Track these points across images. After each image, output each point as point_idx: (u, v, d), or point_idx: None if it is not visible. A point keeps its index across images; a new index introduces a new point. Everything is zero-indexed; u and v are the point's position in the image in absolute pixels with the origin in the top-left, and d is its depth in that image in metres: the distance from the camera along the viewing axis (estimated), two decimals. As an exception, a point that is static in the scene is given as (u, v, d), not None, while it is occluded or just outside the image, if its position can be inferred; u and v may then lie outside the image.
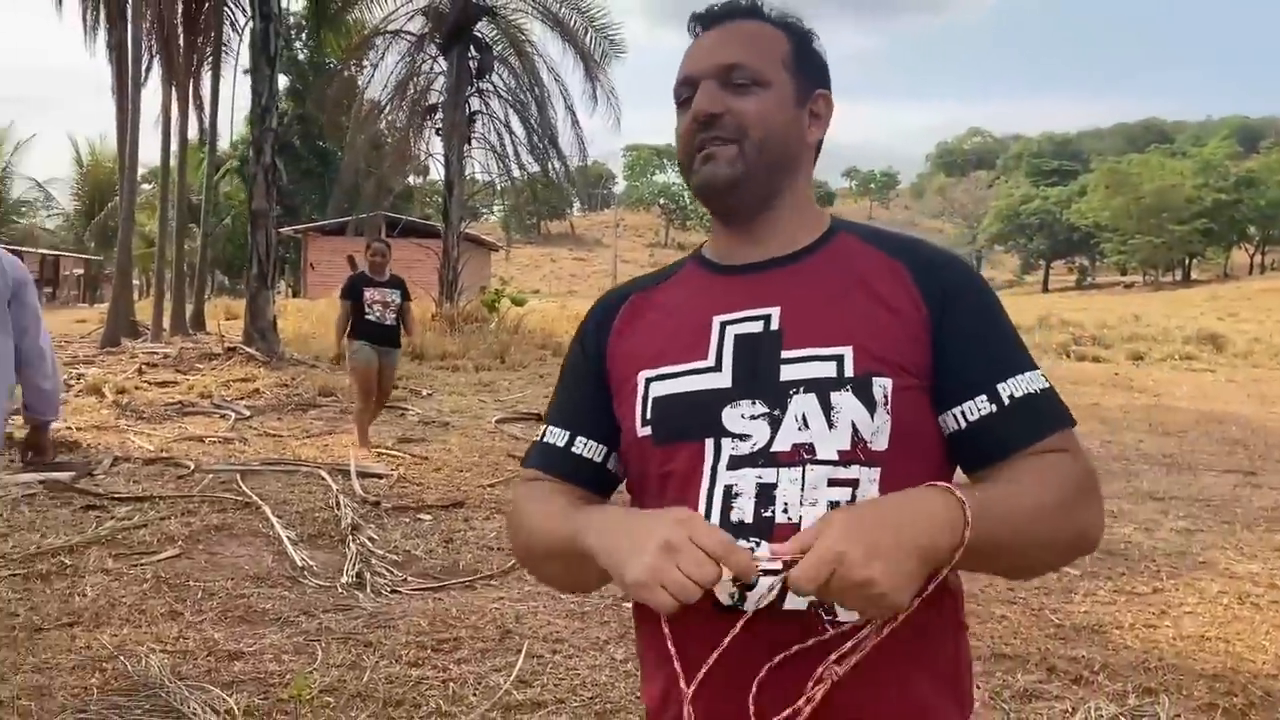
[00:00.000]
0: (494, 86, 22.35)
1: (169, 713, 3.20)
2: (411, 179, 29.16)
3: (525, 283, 60.18)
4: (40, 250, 33.09)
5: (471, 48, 21.12)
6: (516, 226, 32.51)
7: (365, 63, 22.67)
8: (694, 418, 1.13)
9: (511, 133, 22.71)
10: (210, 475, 6.70)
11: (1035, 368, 1.13)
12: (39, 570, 4.65)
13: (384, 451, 7.92)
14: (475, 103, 22.02)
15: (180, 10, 20.99)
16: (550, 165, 22.76)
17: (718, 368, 1.14)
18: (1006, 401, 1.09)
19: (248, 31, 19.75)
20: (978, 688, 3.46)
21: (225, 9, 22.10)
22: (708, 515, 1.08)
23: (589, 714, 3.42)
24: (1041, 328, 23.82)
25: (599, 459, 1.23)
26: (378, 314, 7.66)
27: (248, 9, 18.95)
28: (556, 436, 1.25)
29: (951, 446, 1.13)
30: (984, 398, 1.10)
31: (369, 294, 7.67)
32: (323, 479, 6.67)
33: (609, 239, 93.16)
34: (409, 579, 4.83)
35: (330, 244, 36.19)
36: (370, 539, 5.35)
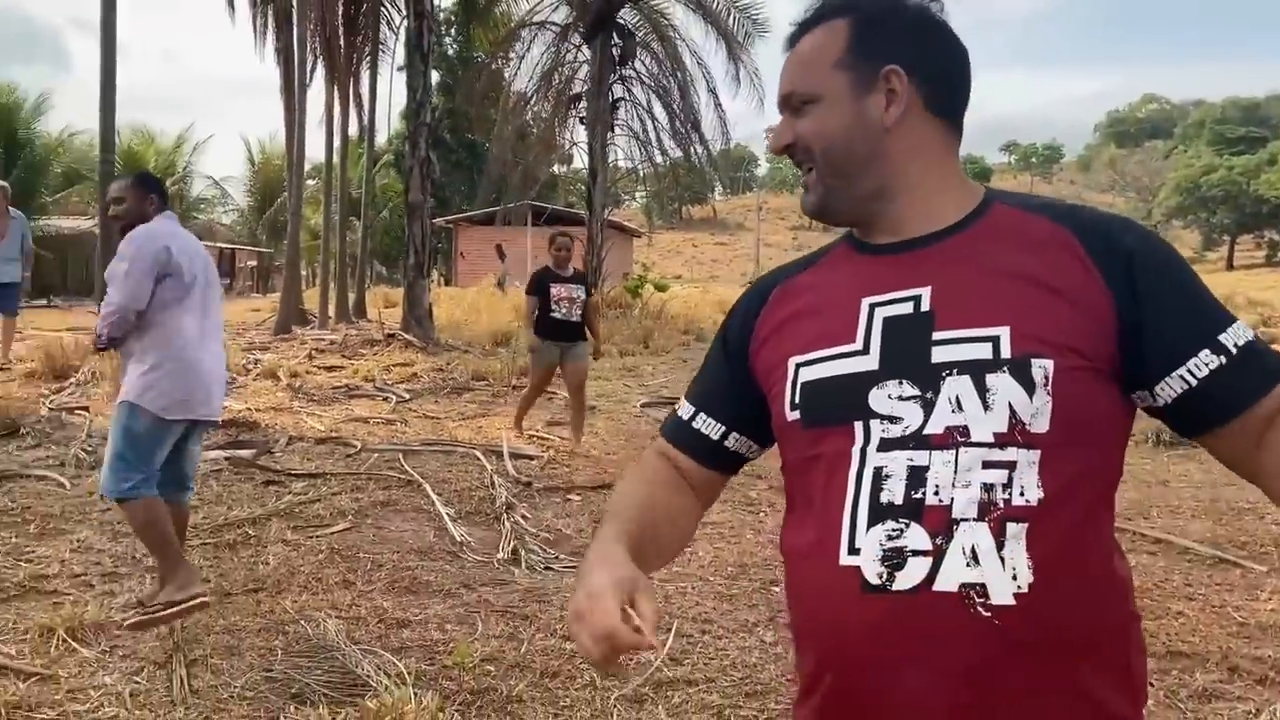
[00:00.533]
0: (637, 73, 22.55)
1: (346, 674, 3.42)
2: (556, 168, 29.75)
3: (667, 268, 60.50)
4: (219, 244, 35.48)
5: (614, 35, 21.35)
6: (659, 212, 32.73)
7: (511, 55, 23.26)
8: (841, 401, 1.13)
9: (654, 118, 22.89)
10: (375, 454, 7.07)
11: (1236, 318, 1.10)
12: (226, 540, 5.03)
13: (534, 434, 8.15)
14: (618, 90, 22.27)
15: (340, 12, 22.03)
16: (693, 149, 22.81)
17: (865, 350, 1.13)
18: (1234, 351, 1.06)
19: (403, 30, 20.59)
20: (1152, 685, 3.32)
21: (382, 9, 23.07)
22: (856, 497, 1.09)
23: (739, 694, 3.46)
24: (1228, 308, 22.23)
25: (715, 436, 1.30)
26: (564, 311, 7.36)
27: (403, 8, 19.75)
28: (685, 411, 1.34)
29: (1174, 413, 1.09)
30: (1207, 351, 1.06)
31: (555, 290, 7.35)
32: (478, 459, 6.94)
33: (751, 222, 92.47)
34: (561, 557, 4.98)
35: (479, 233, 37.41)
36: (523, 517, 5.53)
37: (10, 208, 10.68)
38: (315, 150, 25.28)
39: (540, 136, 23.88)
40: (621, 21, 21.52)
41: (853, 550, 1.07)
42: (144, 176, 4.30)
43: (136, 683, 3.33)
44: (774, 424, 1.24)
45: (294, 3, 21.05)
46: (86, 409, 8.25)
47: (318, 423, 8.21)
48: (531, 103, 23.05)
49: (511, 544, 5.04)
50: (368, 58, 23.38)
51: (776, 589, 4.60)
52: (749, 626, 4.11)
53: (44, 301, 26.39)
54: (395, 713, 2.51)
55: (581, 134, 22.27)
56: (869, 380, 1.12)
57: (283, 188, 29.33)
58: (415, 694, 2.75)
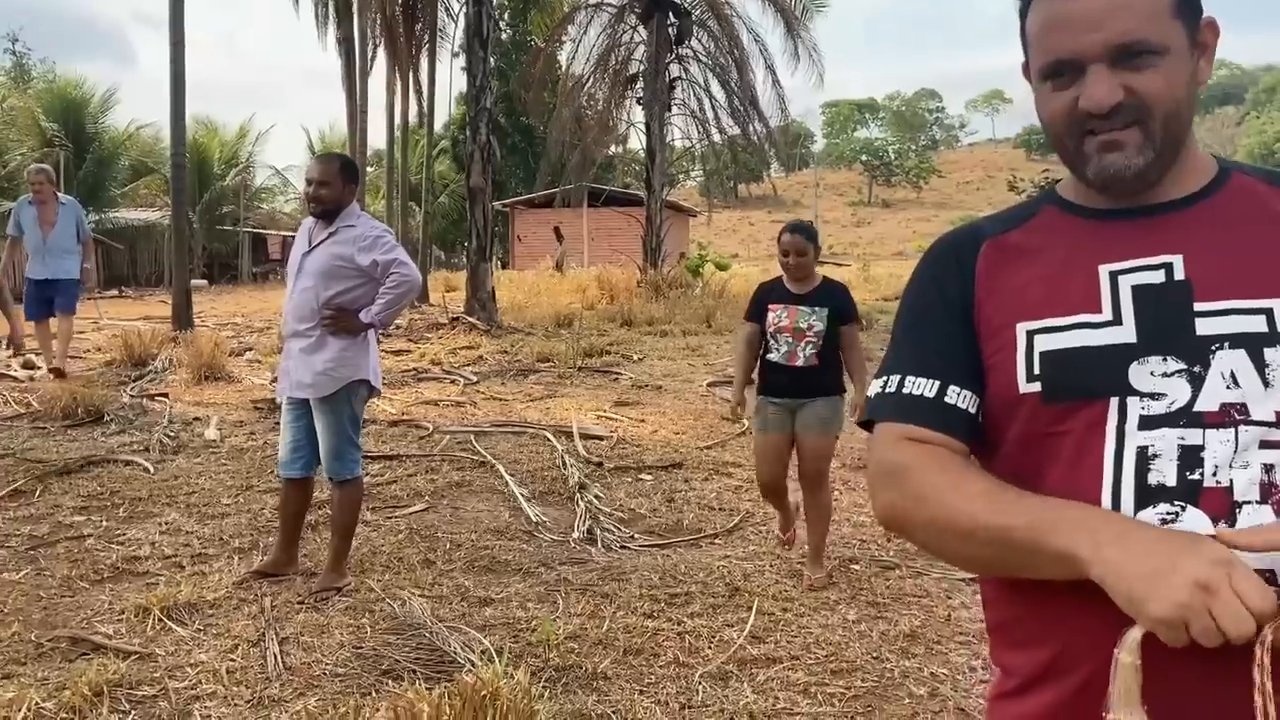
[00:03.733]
0: (693, 52, 22.41)
1: (433, 651, 3.48)
2: (613, 149, 29.72)
3: (724, 247, 60.15)
4: (282, 232, 36.11)
5: (670, 14, 21.21)
6: (716, 190, 32.55)
7: (567, 38, 23.25)
8: (1096, 375, 1.05)
9: (711, 97, 22.74)
10: (447, 436, 7.16)
11: None
12: (309, 521, 5.12)
13: (603, 414, 8.18)
14: (675, 69, 22.16)
15: (400, 1, 22.21)
16: (750, 127, 22.61)
17: (1117, 321, 1.06)
18: None
19: (461, 17, 20.70)
20: None
21: (439, -4, 23.23)
22: (1117, 478, 1.02)
23: (825, 671, 3.44)
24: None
25: (973, 410, 1.13)
26: (785, 348, 4.33)
27: (460, -6, 19.83)
28: (923, 386, 1.14)
29: None
30: None
31: (773, 315, 4.37)
32: (548, 440, 6.98)
33: (808, 199, 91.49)
34: (636, 536, 4.99)
35: (537, 216, 37.58)
36: (596, 497, 5.55)
37: (60, 193, 9.68)
38: (374, 138, 25.60)
39: (597, 118, 23.86)
40: (677, 1, 21.37)
41: None
42: (350, 164, 4.41)
43: (231, 660, 3.42)
44: (991, 393, 1.12)
45: (354, -8, 21.29)
46: (165, 396, 8.49)
47: (389, 406, 8.33)
48: (588, 85, 23.05)
49: (586, 523, 5.07)
50: (426, 45, 23.55)
51: (856, 567, 4.56)
52: (831, 604, 4.08)
53: (115, 292, 27.16)
54: (490, 688, 2.53)
55: (639, 114, 22.25)
56: (1127, 354, 1.04)
57: (344, 176, 29.67)
58: (506, 672, 2.77)
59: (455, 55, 25.84)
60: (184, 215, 15.29)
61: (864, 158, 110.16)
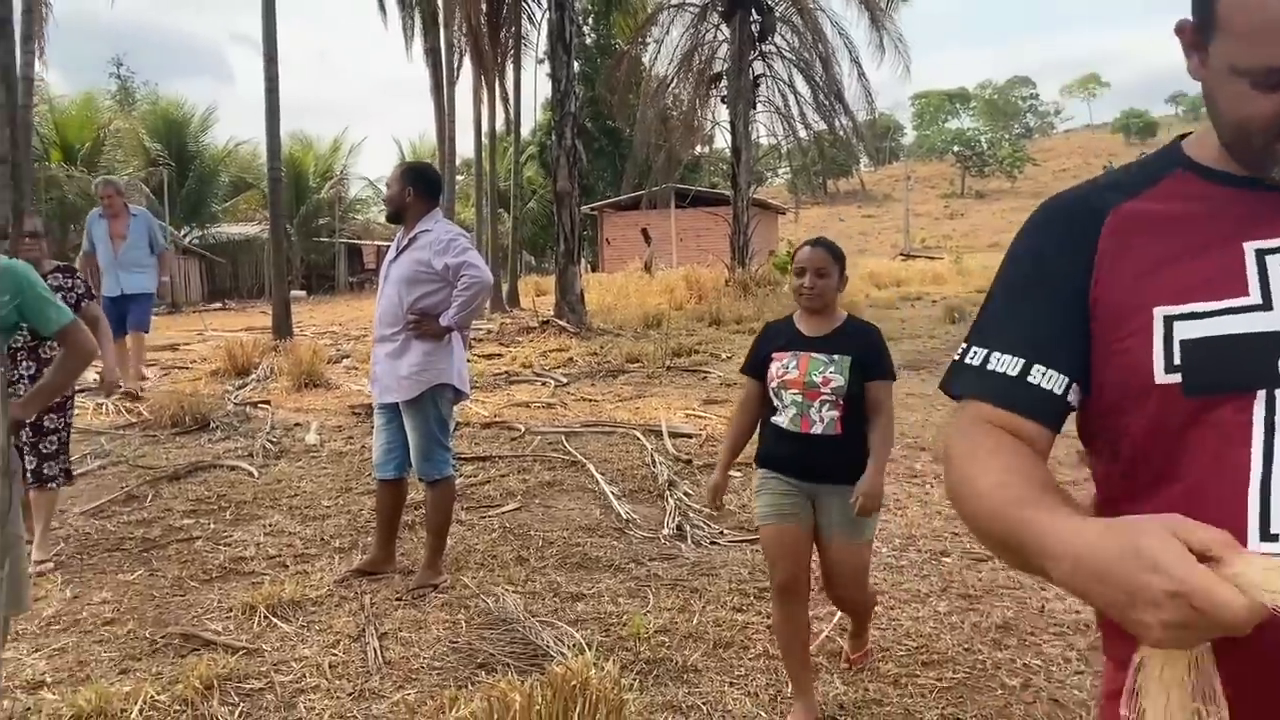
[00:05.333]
0: (777, 48, 22.24)
1: (527, 645, 3.53)
2: (699, 149, 29.69)
3: (813, 244, 59.24)
4: (376, 242, 37.12)
5: (753, 11, 21.09)
6: (804, 186, 32.20)
7: (649, 40, 23.32)
8: (1243, 365, 0.98)
9: (796, 93, 22.53)
10: (539, 437, 7.25)
11: None
12: (405, 520, 5.25)
13: (692, 413, 8.17)
14: (759, 66, 22.03)
15: (485, 10, 22.62)
16: (837, 121, 22.32)
17: (1267, 305, 0.98)
18: None
19: (544, 24, 20.96)
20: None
21: (523, 4, 23.56)
22: (1267, 475, 0.94)
23: (915, 663, 3.38)
24: None
25: (1059, 391, 1.06)
26: (794, 410, 3.04)
27: (544, 3, 20.10)
28: (1006, 364, 1.07)
29: None
30: None
31: (778, 365, 3.10)
32: (637, 439, 7.01)
33: (899, 193, 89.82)
34: (725, 531, 4.97)
35: (624, 219, 37.80)
36: (685, 494, 5.55)
37: (130, 205, 9.38)
38: (462, 147, 26.13)
39: (682, 118, 23.87)
40: (759, -3, 21.25)
41: (1268, 535, 0.94)
42: (415, 169, 4.52)
43: (334, 654, 3.53)
44: (1114, 380, 1.05)
45: (440, 4, 21.77)
46: (267, 403, 8.80)
47: (482, 408, 8.48)
48: (672, 85, 23.08)
49: (676, 520, 5.07)
50: (511, 53, 23.91)
51: (947, 559, 4.46)
52: (921, 597, 4.00)
53: (218, 305, 28.29)
54: (579, 678, 2.55)
55: (723, 113, 22.16)
56: (1277, 343, 0.97)
57: (435, 186, 30.34)
58: (596, 663, 2.79)
59: (540, 62, 26.16)
60: (282, 228, 15.83)
61: (956, 148, 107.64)
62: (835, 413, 2.99)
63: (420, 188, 4.39)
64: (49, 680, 3.34)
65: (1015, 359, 1.07)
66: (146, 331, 9.40)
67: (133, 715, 3.03)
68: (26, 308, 3.11)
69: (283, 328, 13.96)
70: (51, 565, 4.56)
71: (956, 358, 1.15)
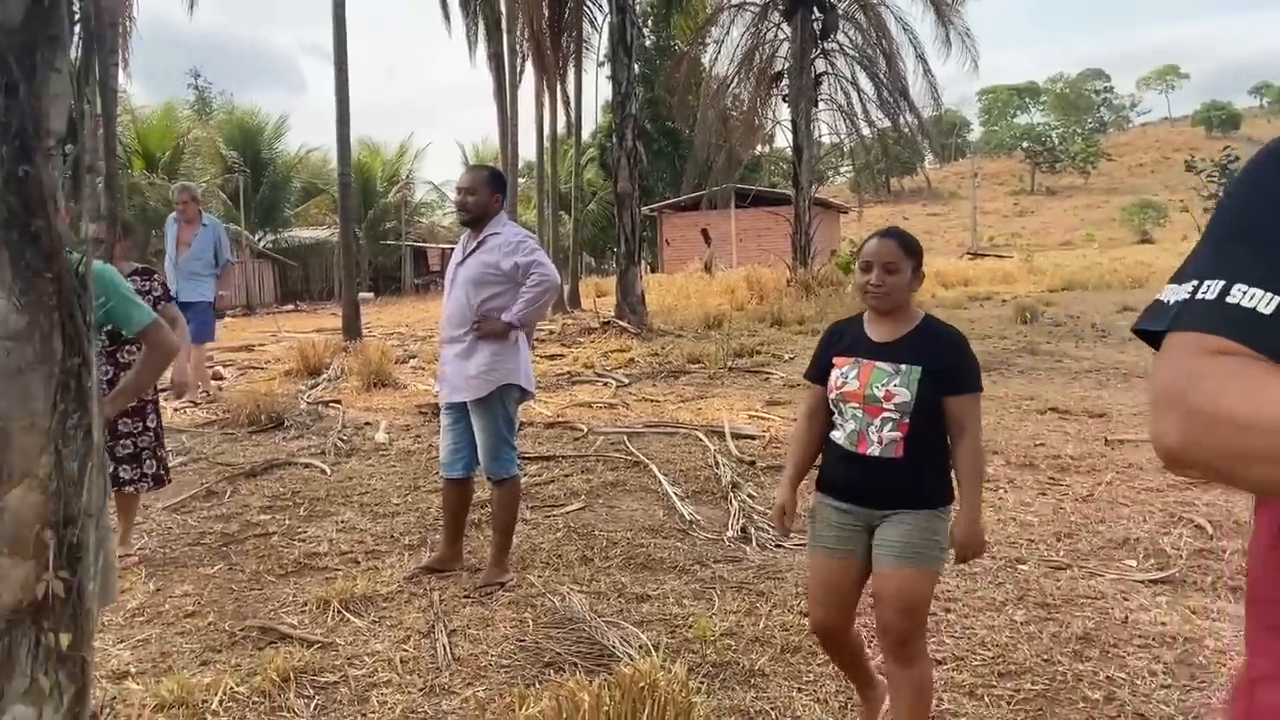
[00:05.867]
0: (839, 45, 22.02)
1: (593, 644, 3.55)
2: (759, 148, 29.55)
3: (876, 244, 58.49)
4: (440, 245, 37.65)
5: (814, 9, 20.92)
6: (867, 185, 31.84)
7: (709, 40, 23.27)
8: None
9: (859, 90, 22.27)
10: (601, 437, 7.29)
11: None
12: (472, 519, 5.31)
13: (754, 414, 8.13)
14: (821, 64, 21.83)
15: (546, 16, 22.82)
16: (901, 118, 22.02)
17: None
18: None
19: (605, 27, 21.05)
20: None
21: (584, 8, 23.70)
22: None
23: (991, 674, 3.31)
24: None
25: None
26: (852, 425, 2.69)
27: (604, 5, 20.19)
28: (1258, 299, 0.89)
29: None
30: None
31: (838, 373, 2.75)
32: (700, 440, 7.00)
33: (965, 190, 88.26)
34: (791, 534, 4.93)
35: (684, 219, 37.78)
36: (750, 496, 5.53)
37: (205, 214, 9.51)
38: (524, 149, 26.37)
39: (742, 118, 23.77)
40: (821, -6, 21.06)
41: None
42: (497, 174, 4.58)
43: (404, 650, 3.59)
44: None
45: (503, 10, 22.02)
46: (338, 402, 8.99)
47: (545, 408, 8.55)
48: (732, 85, 22.99)
49: (740, 522, 5.05)
50: (573, 56, 24.09)
51: (1023, 567, 4.37)
52: (996, 605, 3.92)
53: (291, 307, 28.99)
54: (647, 680, 2.56)
55: (784, 112, 22.01)
56: None
57: (498, 188, 30.69)
58: (663, 665, 2.79)
59: (600, 64, 26.34)
60: (351, 232, 16.16)
61: (1025, 144, 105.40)
62: (897, 434, 2.59)
63: (502, 193, 4.46)
64: (133, 670, 3.45)
65: (1270, 296, 0.89)
66: (204, 342, 9.39)
67: (213, 706, 3.12)
68: (113, 309, 3.23)
69: (352, 329, 14.25)
70: (135, 559, 4.72)
71: (1165, 299, 0.98)
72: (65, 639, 1.49)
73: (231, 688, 3.23)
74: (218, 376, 10.77)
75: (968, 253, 45.57)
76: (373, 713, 3.12)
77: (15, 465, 1.51)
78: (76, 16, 1.70)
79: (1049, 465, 6.17)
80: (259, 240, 32.93)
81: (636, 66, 16.13)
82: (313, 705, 3.17)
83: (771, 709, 3.08)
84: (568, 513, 5.41)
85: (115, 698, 3.20)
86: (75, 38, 1.70)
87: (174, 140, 30.58)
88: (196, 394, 9.06)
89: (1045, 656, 3.44)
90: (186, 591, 4.28)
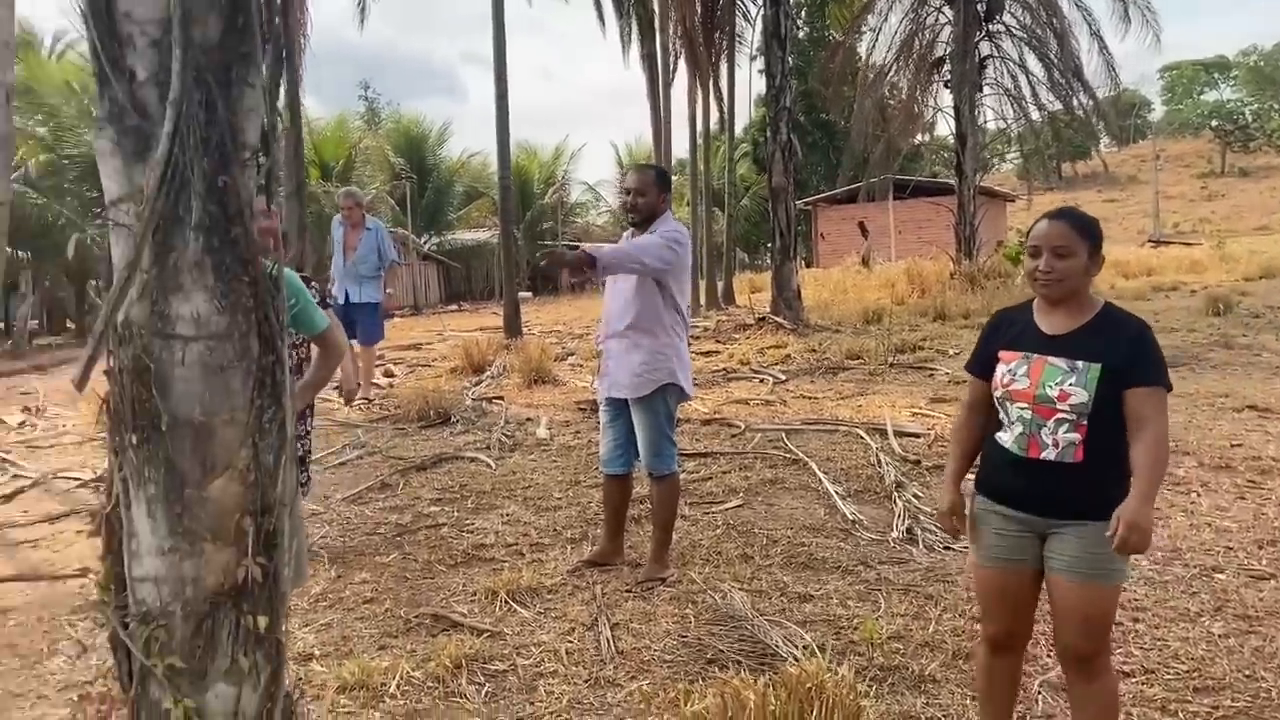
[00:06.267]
0: (1005, 27, 21.04)
1: (755, 643, 3.51)
2: (919, 137, 28.62)
3: (1045, 233, 55.61)
4: (595, 244, 38.31)
5: (978, -10, 20.07)
6: (1036, 171, 30.34)
7: (866, 28, 22.69)
8: None
9: (1027, 72, 21.22)
10: (759, 434, 7.21)
11: None
12: (632, 514, 5.36)
13: (918, 411, 7.88)
14: (985, 47, 20.92)
15: (699, 12, 22.83)
16: (1074, 100, 20.84)
17: None
18: None
19: (758, 20, 20.88)
20: None
21: (737, 2, 23.59)
22: None
23: (1186, 688, 3.09)
24: None
25: None
26: (1020, 428, 2.45)
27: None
28: None
29: None
30: None
31: (1004, 369, 2.51)
32: (861, 438, 6.83)
33: (1146, 174, 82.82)
34: (961, 536, 4.74)
35: (839, 213, 37.06)
36: (915, 496, 5.35)
37: (369, 217, 9.71)
38: (677, 147, 26.48)
39: (901, 107, 23.08)
40: (985, -26, 20.19)
41: None
42: (664, 173, 4.59)
43: (569, 641, 3.65)
44: None
45: (656, 9, 22.19)
46: (501, 398, 9.26)
47: (701, 405, 8.54)
48: (890, 73, 22.34)
49: (905, 522, 4.89)
50: (725, 51, 24.00)
51: (1220, 576, 4.05)
52: (1190, 616, 3.65)
53: (454, 307, 30.14)
54: (814, 681, 2.50)
55: (946, 98, 21.20)
56: None
57: (652, 187, 30.96)
58: (830, 666, 2.73)
59: (753, 58, 26.10)
60: (511, 233, 16.65)
61: (1214, 123, 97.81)
62: (1075, 435, 2.34)
63: (668, 191, 4.48)
64: (317, 653, 3.65)
65: None
66: (374, 342, 9.72)
67: (390, 689, 3.26)
68: (299, 313, 3.43)
69: (513, 327, 14.68)
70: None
71: None
72: (263, 621, 1.58)
73: (407, 672, 3.36)
74: (389, 374, 11.28)
75: (1149, 240, 42.71)
76: (540, 702, 3.18)
77: (217, 457, 1.61)
78: (266, 35, 1.80)
79: (1248, 467, 5.70)
80: (424, 243, 34.42)
81: (790, 59, 15.88)
82: (483, 692, 3.26)
83: (944, 716, 2.97)
84: (726, 510, 5.38)
85: (301, 679, 3.38)
86: (265, 54, 1.80)
87: (346, 150, 32.38)
88: (370, 391, 9.49)
89: (1247, 672, 3.17)
90: (364, 579, 4.50)
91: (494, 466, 6.62)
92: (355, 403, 9.02)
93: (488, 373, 10.89)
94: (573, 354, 12.90)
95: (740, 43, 24.77)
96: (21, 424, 9.51)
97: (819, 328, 14.22)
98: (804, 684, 2.49)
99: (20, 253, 19.49)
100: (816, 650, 3.22)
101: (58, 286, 24.01)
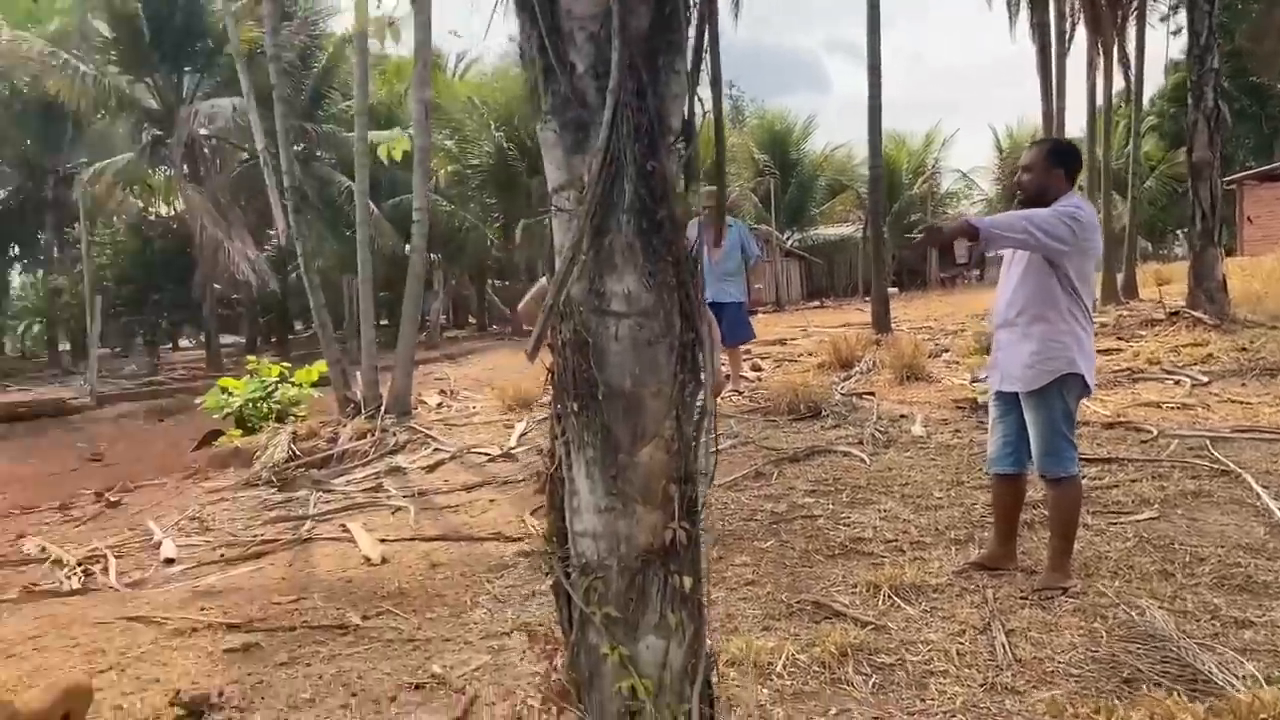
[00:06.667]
0: None
1: (1184, 666, 3.11)
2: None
3: None
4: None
5: None
6: None
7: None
8: None
9: None
10: (1175, 441, 6.42)
11: None
12: (1024, 519, 4.97)
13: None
14: None
15: (1103, -33, 20.70)
16: None
17: None
18: None
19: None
20: None
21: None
22: None
23: None
24: None
25: None
26: None
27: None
28: None
29: None
30: None
31: None
32: (1307, 448, 5.84)
33: None
34: None
35: (1271, 192, 31.95)
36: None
37: (728, 216, 9.83)
38: (1070, 125, 24.32)
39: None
40: None
41: None
42: (1060, 148, 4.20)
43: (960, 643, 3.48)
44: None
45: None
46: (872, 394, 9.08)
47: (1101, 407, 7.79)
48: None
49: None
50: (1135, 8, 21.51)
51: None
52: None
53: (816, 303, 30.09)
54: (1271, 712, 2.16)
55: None
56: None
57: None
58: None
59: (1165, 18, 23.29)
60: (880, 225, 16.28)
61: None
62: None
63: (1068, 168, 4.06)
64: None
65: None
66: (743, 341, 9.83)
67: (777, 668, 3.30)
68: None
69: (882, 323, 14.37)
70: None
71: None
72: (688, 582, 1.66)
73: (793, 654, 3.39)
74: (755, 368, 11.53)
75: None
76: (931, 699, 3.06)
77: (646, 426, 1.71)
78: (689, 20, 1.87)
79: None
80: (787, 239, 34.74)
81: (1217, 13, 13.90)
82: (870, 683, 3.21)
83: None
84: (1138, 521, 4.84)
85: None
86: (688, 40, 1.87)
87: (713, 148, 33.54)
88: (739, 384, 9.73)
89: None
90: (745, 561, 4.61)
91: (868, 462, 6.51)
92: (724, 394, 9.39)
93: (856, 368, 10.73)
94: (947, 350, 12.34)
95: (1152, 1, 22.16)
96: (439, 405, 10.96)
97: (1249, 324, 12.35)
98: (1257, 713, 2.15)
99: (433, 255, 22.43)
100: (1263, 681, 2.78)
101: (462, 285, 27.34)
